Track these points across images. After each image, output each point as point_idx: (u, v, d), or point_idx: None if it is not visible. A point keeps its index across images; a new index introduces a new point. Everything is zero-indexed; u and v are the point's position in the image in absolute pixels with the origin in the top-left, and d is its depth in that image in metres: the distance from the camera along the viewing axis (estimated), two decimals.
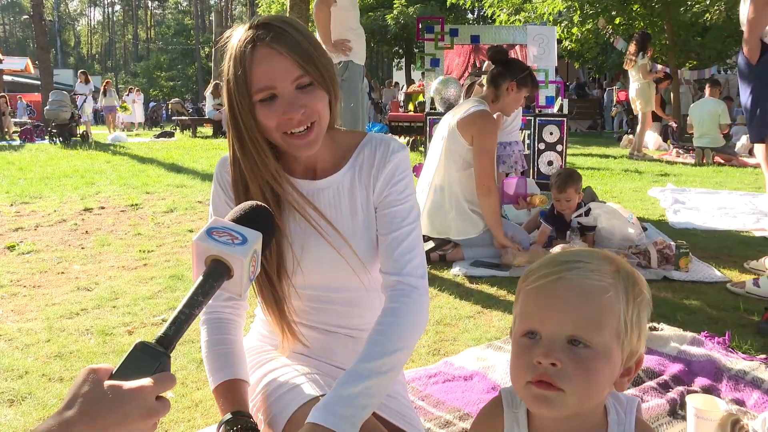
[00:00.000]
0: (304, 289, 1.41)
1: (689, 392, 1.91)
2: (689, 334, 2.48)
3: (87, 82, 17.17)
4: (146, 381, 0.83)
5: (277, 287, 1.37)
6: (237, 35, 1.28)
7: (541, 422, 0.98)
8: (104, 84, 19.52)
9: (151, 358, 0.86)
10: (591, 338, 0.86)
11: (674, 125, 12.45)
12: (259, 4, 27.33)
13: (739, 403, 1.95)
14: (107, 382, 0.81)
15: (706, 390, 2.00)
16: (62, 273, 3.72)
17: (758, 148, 3.54)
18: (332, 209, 1.40)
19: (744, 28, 3.38)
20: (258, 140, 1.30)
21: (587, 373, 0.86)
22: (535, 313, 0.91)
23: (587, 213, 3.93)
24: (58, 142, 13.91)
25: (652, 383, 2.06)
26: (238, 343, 1.38)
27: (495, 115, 3.89)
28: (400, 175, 1.41)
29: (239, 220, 1.03)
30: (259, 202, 1.09)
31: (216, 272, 0.95)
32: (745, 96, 3.46)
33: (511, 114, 4.23)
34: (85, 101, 16.72)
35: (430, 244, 3.87)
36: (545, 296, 0.90)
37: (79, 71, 19.47)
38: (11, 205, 6.00)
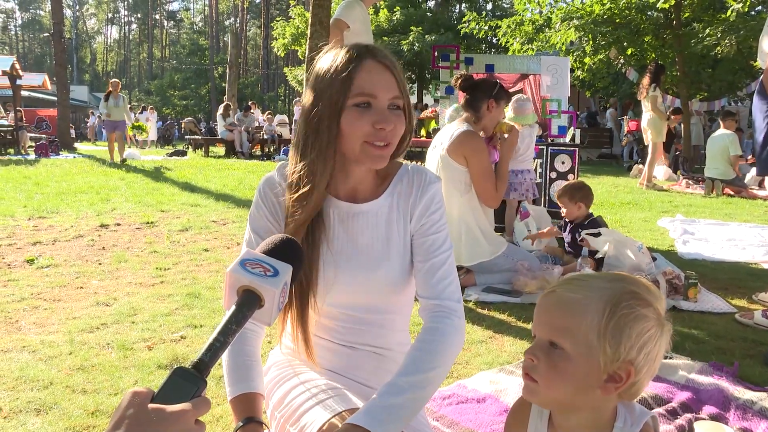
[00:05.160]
0: (336, 308, 1.46)
1: (697, 419, 1.96)
2: (697, 363, 2.53)
3: None
4: (186, 405, 0.88)
5: (305, 304, 1.42)
6: (341, 48, 1.40)
7: (558, 420, 1.14)
8: (109, 87, 13.98)
9: (190, 383, 0.91)
10: (563, 342, 1.03)
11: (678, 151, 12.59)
12: (274, 27, 27.68)
13: None
14: (151, 405, 0.86)
15: (714, 418, 2.04)
16: (81, 288, 3.80)
17: None
18: (369, 233, 1.46)
19: (763, 62, 3.43)
20: (333, 148, 1.37)
21: (555, 370, 1.03)
22: (534, 319, 1.10)
23: (596, 236, 4.01)
24: None
25: (660, 410, 2.10)
26: (257, 356, 1.44)
27: (505, 135, 4.02)
28: (436, 204, 1.49)
29: (271, 252, 1.07)
30: (289, 236, 1.13)
31: (248, 302, 1.00)
32: (759, 129, 3.49)
33: (514, 138, 4.22)
34: None
35: None
36: (539, 306, 1.10)
37: None
38: (29, 219, 6.11)
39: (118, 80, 14.21)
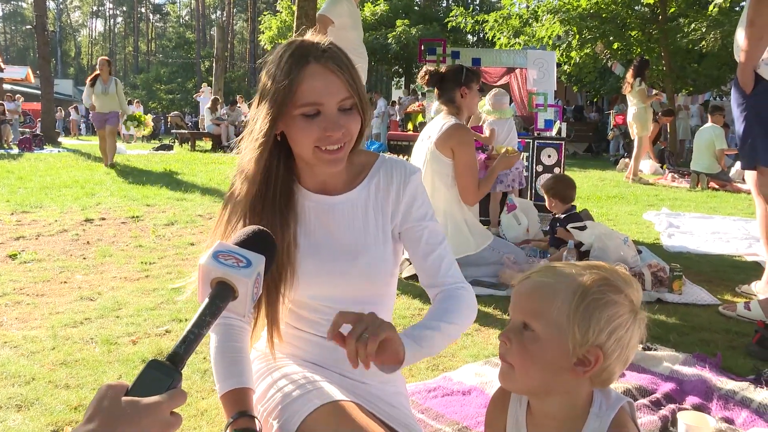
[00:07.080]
0: (317, 300, 1.46)
1: (680, 410, 1.97)
2: (681, 355, 2.55)
3: None
4: (161, 397, 0.87)
5: (274, 299, 1.42)
6: (286, 48, 1.35)
7: (534, 405, 1.15)
8: (99, 66, 10.91)
9: (165, 375, 0.90)
10: (535, 324, 1.05)
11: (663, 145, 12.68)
12: (261, 21, 27.55)
13: (729, 421, 2.01)
14: (125, 398, 0.85)
15: (697, 408, 2.06)
16: (65, 282, 3.76)
17: (749, 175, 3.62)
18: (345, 225, 1.46)
19: (738, 56, 3.46)
20: (273, 149, 1.38)
21: (525, 351, 1.05)
22: (511, 304, 1.13)
23: (582, 229, 4.03)
24: None
25: (644, 401, 2.12)
26: (246, 351, 1.43)
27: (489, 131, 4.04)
28: (422, 194, 1.51)
29: (243, 243, 1.07)
30: (261, 227, 1.13)
31: (222, 294, 1.00)
32: (738, 123, 3.54)
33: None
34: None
35: None
36: (515, 291, 1.12)
37: None
38: (12, 214, 6.04)
39: (107, 58, 11.16)
